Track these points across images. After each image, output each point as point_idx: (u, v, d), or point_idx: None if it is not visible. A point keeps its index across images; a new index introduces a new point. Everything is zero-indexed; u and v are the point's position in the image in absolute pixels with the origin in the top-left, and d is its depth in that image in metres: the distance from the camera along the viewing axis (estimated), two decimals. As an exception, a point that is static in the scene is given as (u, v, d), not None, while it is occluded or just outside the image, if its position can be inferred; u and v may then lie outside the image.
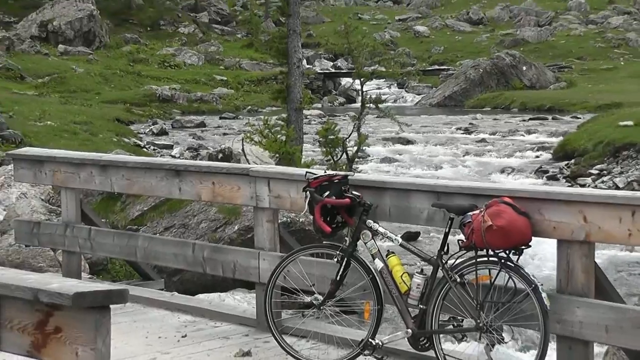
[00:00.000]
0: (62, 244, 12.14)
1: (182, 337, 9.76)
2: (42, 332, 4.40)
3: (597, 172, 30.31)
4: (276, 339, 8.83)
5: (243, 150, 25.04)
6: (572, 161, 32.53)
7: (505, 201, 7.45)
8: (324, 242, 8.66)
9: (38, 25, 72.60)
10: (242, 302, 12.98)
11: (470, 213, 7.51)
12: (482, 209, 7.43)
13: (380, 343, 8.20)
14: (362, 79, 33.27)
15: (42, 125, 34.22)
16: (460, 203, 7.82)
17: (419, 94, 64.13)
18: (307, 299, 8.79)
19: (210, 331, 10.03)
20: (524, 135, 41.18)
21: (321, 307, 8.67)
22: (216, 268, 10.44)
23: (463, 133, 42.68)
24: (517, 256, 7.41)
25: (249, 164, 19.80)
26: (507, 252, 7.39)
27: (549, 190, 8.44)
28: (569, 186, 28.25)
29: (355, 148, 23.78)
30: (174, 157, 32.23)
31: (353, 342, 8.50)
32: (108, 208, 19.75)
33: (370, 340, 8.16)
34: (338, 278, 8.40)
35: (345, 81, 61.01)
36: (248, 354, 8.99)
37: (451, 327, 7.85)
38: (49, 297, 4.24)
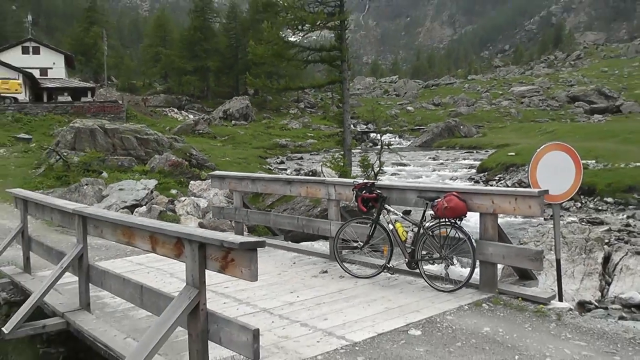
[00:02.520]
0: (234, 218, 12.25)
1: (293, 263, 9.81)
2: (225, 260, 4.60)
3: (498, 178, 30.51)
4: (340, 264, 8.92)
5: (322, 170, 25.08)
6: (486, 173, 32.68)
7: (453, 194, 7.58)
8: (363, 216, 8.71)
9: (222, 112, 73.26)
10: (322, 246, 12.98)
11: (437, 200, 7.67)
12: (441, 198, 7.62)
13: (392, 266, 8.36)
14: (381, 134, 33.34)
15: (223, 160, 34.47)
16: (431, 195, 7.89)
17: (409, 141, 64.06)
18: (354, 244, 8.88)
19: (306, 260, 10.02)
20: (462, 161, 41.19)
21: (362, 248, 8.80)
22: (309, 229, 10.51)
23: (432, 159, 42.65)
24: (460, 221, 7.49)
25: (325, 177, 19.85)
26: (455, 219, 7.47)
27: (475, 188, 8.53)
28: (484, 186, 28.35)
29: (378, 168, 23.66)
30: (287, 174, 32.26)
31: (378, 265, 8.55)
32: (255, 200, 19.82)
33: (387, 264, 8.30)
34: (370, 234, 8.58)
35: (373, 135, 60.98)
36: (326, 271, 9.02)
37: (427, 257, 7.91)
38: (228, 244, 4.47)
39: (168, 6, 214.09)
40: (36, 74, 68.16)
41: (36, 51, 73.70)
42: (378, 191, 8.54)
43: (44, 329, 7.32)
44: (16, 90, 57.05)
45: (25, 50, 73.14)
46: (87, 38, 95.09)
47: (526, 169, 28.75)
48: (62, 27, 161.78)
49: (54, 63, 73.81)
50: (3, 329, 6.98)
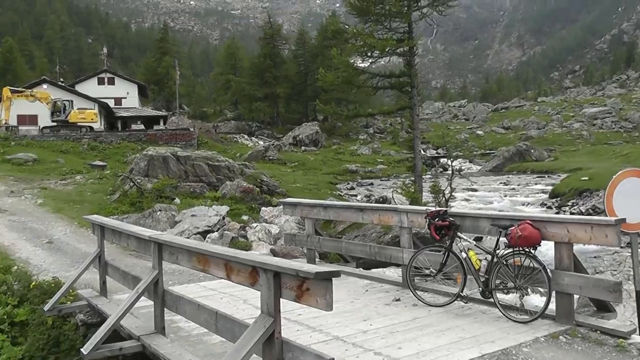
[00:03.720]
0: (306, 245, 12.32)
1: (365, 291, 9.78)
2: (300, 290, 4.64)
3: (571, 204, 29.66)
4: (413, 292, 8.83)
5: (393, 196, 24.97)
6: (558, 199, 31.91)
7: (527, 222, 7.46)
8: (436, 244, 8.65)
9: (292, 138, 73.73)
10: (394, 273, 12.89)
11: (510, 228, 7.54)
12: (515, 226, 7.49)
13: (465, 294, 8.26)
14: (451, 159, 33.05)
15: (294, 186, 34.59)
16: (504, 223, 7.74)
17: (479, 165, 63.28)
18: (427, 272, 8.81)
19: (379, 288, 9.98)
20: (534, 186, 40.42)
21: (435, 276, 8.71)
22: (381, 257, 10.47)
23: (503, 184, 42.01)
24: (534, 250, 7.33)
25: (396, 204, 19.72)
26: (529, 248, 7.32)
27: (549, 216, 8.32)
28: (556, 213, 27.79)
29: (449, 195, 23.44)
30: (358, 201, 32.17)
31: (452, 294, 8.43)
32: (327, 226, 19.84)
33: (460, 293, 8.20)
34: (443, 262, 8.47)
35: (443, 160, 60.48)
36: (399, 299, 8.96)
37: (501, 286, 7.77)
38: (303, 273, 4.50)
39: (238, 34, 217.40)
40: (111, 103, 70.18)
41: (111, 82, 75.89)
42: (451, 219, 8.47)
43: (120, 351, 7.51)
44: (92, 119, 58.78)
45: (100, 81, 75.44)
46: (159, 68, 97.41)
47: (600, 195, 28.22)
48: (136, 58, 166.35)
49: (127, 93, 75.82)
50: (82, 349, 7.19)
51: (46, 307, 9.84)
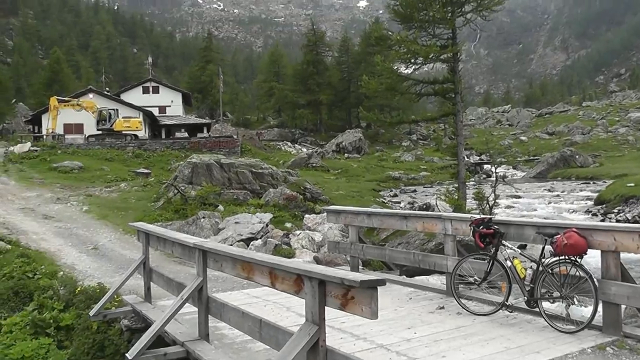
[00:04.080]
0: (349, 252, 12.32)
1: (409, 299, 9.73)
2: (345, 298, 4.63)
3: (617, 211, 29.12)
4: (457, 300, 8.76)
5: (436, 203, 24.81)
6: (604, 205, 31.37)
7: (573, 230, 7.35)
8: (480, 251, 8.59)
9: (335, 145, 73.81)
10: (437, 281, 12.79)
11: (556, 236, 7.44)
12: (561, 234, 7.39)
13: (510, 303, 8.17)
14: (495, 165, 32.79)
15: (337, 193, 34.57)
16: (550, 231, 7.64)
17: (523, 172, 62.61)
18: (471, 280, 8.73)
19: (423, 295, 9.92)
20: (578, 192, 39.83)
21: (479, 285, 8.64)
22: (425, 264, 10.40)
23: (547, 191, 41.48)
24: (580, 259, 7.22)
25: (440, 211, 19.61)
26: (575, 256, 7.21)
27: (595, 224, 8.15)
28: (601, 220, 27.40)
29: (493, 202, 23.22)
30: (401, 208, 32.05)
31: (496, 303, 8.35)
32: (369, 233, 19.77)
33: (505, 302, 8.12)
34: (487, 270, 8.40)
35: (487, 166, 59.98)
36: (442, 307, 8.89)
37: (547, 296, 7.67)
38: (348, 281, 4.50)
39: (281, 42, 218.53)
40: (155, 111, 71.03)
41: (155, 90, 76.83)
42: (495, 227, 8.39)
43: (165, 357, 7.60)
44: (137, 127, 59.51)
45: (145, 90, 76.45)
46: (203, 76, 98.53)
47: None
48: (180, 67, 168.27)
49: (172, 101, 76.69)
50: (127, 354, 7.27)
51: (91, 312, 9.99)
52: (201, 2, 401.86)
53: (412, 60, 27.08)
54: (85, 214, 23.89)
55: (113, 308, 10.27)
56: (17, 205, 25.13)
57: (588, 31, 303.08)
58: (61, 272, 13.54)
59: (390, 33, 29.78)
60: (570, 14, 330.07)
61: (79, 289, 11.68)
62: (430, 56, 26.51)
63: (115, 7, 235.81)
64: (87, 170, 39.38)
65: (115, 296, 10.39)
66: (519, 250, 8.52)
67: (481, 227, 8.41)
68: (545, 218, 26.04)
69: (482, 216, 9.26)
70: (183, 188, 25.72)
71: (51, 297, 11.67)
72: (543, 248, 7.83)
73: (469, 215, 9.93)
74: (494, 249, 8.37)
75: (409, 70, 28.46)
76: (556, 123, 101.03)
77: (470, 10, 27.58)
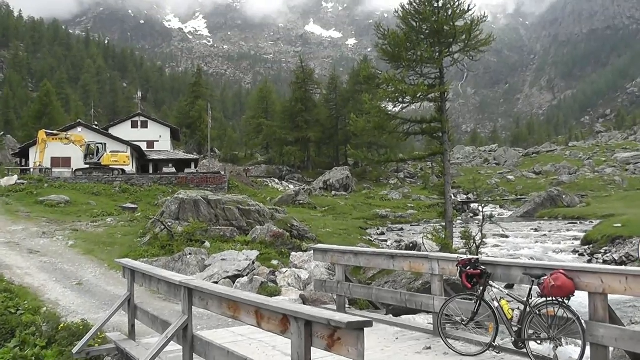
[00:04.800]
0: (336, 291, 12.21)
1: (396, 339, 9.67)
2: (331, 339, 4.60)
3: (604, 251, 29.21)
4: (444, 341, 8.73)
5: (423, 242, 24.83)
6: (591, 246, 31.47)
7: (560, 271, 7.35)
8: (467, 292, 8.58)
9: (323, 182, 73.81)
10: (424, 321, 12.76)
11: (543, 278, 7.44)
12: (548, 276, 7.39)
13: (498, 344, 8.13)
14: (482, 204, 32.87)
15: (324, 231, 34.52)
16: (537, 272, 7.65)
17: (510, 211, 62.80)
18: (459, 320, 8.71)
19: (409, 335, 9.86)
20: (565, 232, 39.96)
21: (466, 325, 8.60)
22: (412, 304, 10.36)
23: (534, 230, 41.57)
24: (568, 300, 7.22)
25: (426, 250, 19.64)
26: (563, 298, 7.21)
27: (582, 266, 8.19)
28: (588, 260, 27.52)
29: (480, 241, 23.24)
30: (388, 246, 32.05)
31: (484, 343, 8.30)
32: (356, 272, 19.72)
33: (492, 342, 8.07)
34: (475, 310, 8.37)
35: (474, 205, 60.11)
36: (429, 348, 8.83)
37: (535, 337, 7.65)
38: (335, 322, 4.44)
39: (270, 78, 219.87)
40: (143, 146, 71.08)
41: (144, 125, 77.01)
42: (483, 267, 8.39)
43: (148, 396, 7.45)
44: (124, 162, 59.50)
45: (134, 125, 76.64)
46: (192, 111, 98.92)
47: (634, 242, 27.77)
48: (169, 101, 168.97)
49: (160, 136, 76.80)
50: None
51: (74, 350, 9.88)
52: (191, 37, 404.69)
53: (400, 99, 27.25)
54: (70, 249, 23.72)
55: (97, 345, 10.17)
56: (2, 239, 24.93)
57: (574, 72, 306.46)
58: (44, 308, 13.37)
59: (378, 72, 30.00)
60: (556, 54, 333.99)
61: (62, 325, 11.53)
62: (418, 95, 26.69)
63: (106, 42, 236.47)
64: (73, 205, 39.21)
65: (99, 333, 10.29)
66: (506, 291, 8.50)
67: (468, 267, 8.41)
68: (532, 258, 26.10)
69: (469, 256, 9.24)
70: (170, 224, 25.64)
71: (34, 333, 11.50)
72: (530, 289, 7.82)
73: (455, 256, 9.92)
74: (481, 289, 8.36)
75: (397, 109, 28.61)
76: (543, 162, 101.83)
77: (457, 51, 27.84)
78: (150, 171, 68.47)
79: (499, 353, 8.27)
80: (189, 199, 28.40)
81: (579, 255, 29.96)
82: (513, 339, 7.88)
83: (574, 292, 7.32)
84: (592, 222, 42.71)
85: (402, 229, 44.84)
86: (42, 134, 57.19)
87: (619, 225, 34.03)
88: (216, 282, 17.42)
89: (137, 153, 68.27)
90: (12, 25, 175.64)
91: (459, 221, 42.93)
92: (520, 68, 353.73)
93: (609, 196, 65.79)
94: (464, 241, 23.49)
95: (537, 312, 7.59)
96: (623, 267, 10.01)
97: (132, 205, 40.13)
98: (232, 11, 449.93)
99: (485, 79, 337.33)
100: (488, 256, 19.09)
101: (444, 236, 24.35)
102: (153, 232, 25.63)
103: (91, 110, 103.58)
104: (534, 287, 7.74)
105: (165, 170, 65.26)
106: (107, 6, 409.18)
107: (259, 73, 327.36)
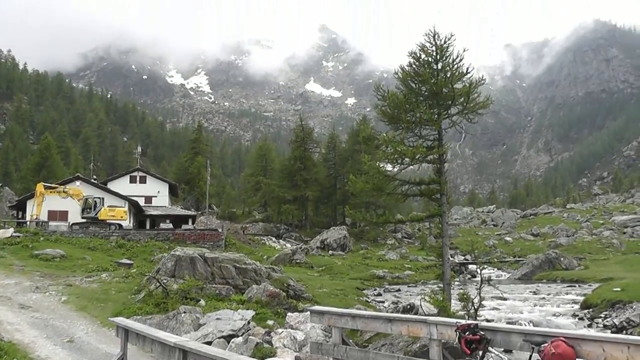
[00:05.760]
0: (332, 354, 12.13)
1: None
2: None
3: (603, 316, 28.91)
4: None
5: (420, 304, 24.54)
6: (590, 310, 31.15)
7: (560, 339, 7.30)
8: (466, 357, 8.43)
9: (320, 241, 73.60)
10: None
11: (544, 345, 7.37)
12: (549, 343, 7.33)
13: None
14: (480, 266, 32.68)
15: (321, 291, 34.29)
16: (537, 339, 7.54)
17: (508, 273, 62.39)
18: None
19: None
20: (564, 295, 39.64)
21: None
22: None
23: (532, 293, 41.23)
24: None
25: (424, 313, 19.42)
26: (563, 366, 7.09)
27: (583, 334, 8.02)
28: (589, 325, 27.25)
29: (478, 304, 22.96)
30: (385, 308, 31.74)
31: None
32: (353, 333, 19.42)
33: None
34: (475, 376, 8.19)
35: (471, 267, 59.86)
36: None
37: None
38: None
39: (269, 136, 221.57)
40: (141, 201, 71.13)
41: (143, 180, 77.18)
42: (482, 333, 8.25)
43: None
44: (121, 217, 59.44)
45: (132, 180, 76.82)
46: (191, 167, 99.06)
47: (635, 307, 27.47)
48: (169, 157, 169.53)
49: (158, 191, 76.87)
50: None
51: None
52: (193, 93, 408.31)
53: (399, 161, 27.23)
54: (63, 305, 23.46)
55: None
56: (-6, 293, 24.67)
57: (570, 134, 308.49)
58: (34, 367, 13.11)
59: (377, 133, 30.07)
60: (553, 117, 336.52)
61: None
62: (416, 157, 26.65)
63: (109, 96, 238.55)
64: (68, 259, 39.02)
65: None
66: (506, 357, 8.35)
67: (467, 332, 8.28)
68: (531, 321, 25.80)
69: (469, 321, 9.09)
70: (165, 281, 25.38)
71: (21, 393, 11.23)
72: (530, 356, 7.71)
73: (454, 320, 9.75)
74: (480, 355, 8.20)
75: (396, 169, 28.58)
76: (541, 224, 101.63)
77: (456, 113, 27.90)
78: (148, 227, 68.43)
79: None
80: (186, 256, 28.20)
81: (579, 319, 29.63)
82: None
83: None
84: (590, 286, 42.48)
85: (399, 290, 44.49)
86: (40, 187, 57.24)
87: (618, 289, 33.77)
88: (210, 342, 17.16)
89: (135, 208, 68.22)
90: (17, 77, 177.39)
91: (456, 283, 42.64)
92: (517, 129, 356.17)
93: (607, 259, 65.58)
94: (462, 303, 23.23)
95: (538, 378, 7.44)
96: (625, 336, 9.79)
97: (128, 261, 39.91)
98: (234, 68, 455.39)
99: (483, 140, 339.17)
100: (487, 320, 18.88)
101: (441, 298, 24.08)
102: (148, 289, 25.37)
103: (90, 164, 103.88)
104: (534, 354, 7.61)
105: (162, 225, 65.15)
106: (111, 61, 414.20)
107: (259, 130, 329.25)
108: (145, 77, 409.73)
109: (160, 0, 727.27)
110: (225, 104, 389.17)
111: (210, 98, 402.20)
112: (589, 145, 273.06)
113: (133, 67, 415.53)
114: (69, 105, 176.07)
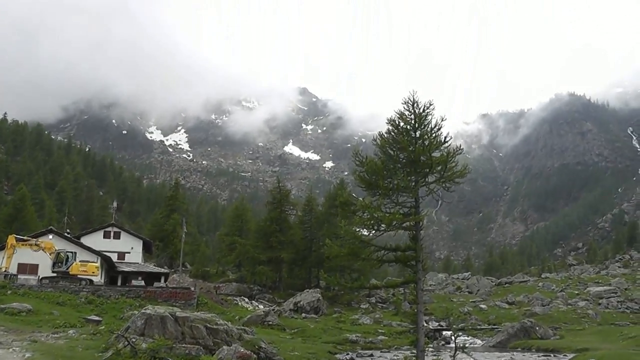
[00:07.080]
0: None
1: None
2: None
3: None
4: None
5: (392, 372, 24.26)
6: (565, 381, 31.02)
7: None
8: None
9: (293, 304, 73.16)
10: None
11: None
12: None
13: None
14: (454, 333, 32.46)
15: (293, 354, 33.97)
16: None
17: (483, 340, 62.10)
18: None
19: None
20: (539, 366, 39.42)
21: None
22: None
23: (506, 363, 41.08)
24: None
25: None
26: None
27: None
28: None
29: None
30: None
31: None
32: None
33: None
34: None
35: (446, 333, 59.57)
36: None
37: None
38: None
39: (246, 196, 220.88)
40: (114, 257, 70.56)
41: (117, 236, 76.61)
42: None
43: None
44: (93, 272, 58.65)
45: (106, 235, 76.26)
46: (166, 225, 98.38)
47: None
48: (145, 212, 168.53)
49: (132, 248, 76.27)
50: None
51: None
52: (171, 150, 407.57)
53: (376, 227, 27.21)
54: (27, 362, 22.85)
55: None
56: (-47, 349, 24.03)
57: (546, 204, 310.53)
58: None
59: (355, 198, 30.11)
60: (529, 187, 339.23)
61: None
62: (393, 223, 26.67)
63: (87, 149, 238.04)
64: (36, 314, 38.31)
65: None
66: None
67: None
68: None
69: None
70: (134, 340, 24.96)
71: None
72: None
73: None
74: None
75: (372, 234, 28.51)
76: (516, 293, 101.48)
77: (433, 181, 28.06)
78: (119, 283, 67.61)
79: None
80: (156, 315, 27.78)
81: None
82: None
83: None
84: (566, 356, 42.46)
85: (372, 355, 44.08)
86: (11, 239, 56.49)
87: (594, 360, 33.73)
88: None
89: (107, 264, 67.47)
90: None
91: (430, 349, 42.27)
92: (494, 198, 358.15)
93: (583, 330, 65.51)
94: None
95: None
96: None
97: (97, 318, 39.19)
98: (214, 127, 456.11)
99: (460, 208, 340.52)
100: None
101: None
102: (116, 347, 24.93)
103: (65, 217, 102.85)
104: None
105: (134, 282, 64.22)
106: (91, 114, 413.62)
107: (236, 190, 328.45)
108: (125, 131, 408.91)
109: (145, 55, 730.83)
110: (204, 162, 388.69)
111: (189, 156, 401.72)
112: (565, 216, 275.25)
113: (113, 121, 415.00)
114: (47, 157, 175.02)
